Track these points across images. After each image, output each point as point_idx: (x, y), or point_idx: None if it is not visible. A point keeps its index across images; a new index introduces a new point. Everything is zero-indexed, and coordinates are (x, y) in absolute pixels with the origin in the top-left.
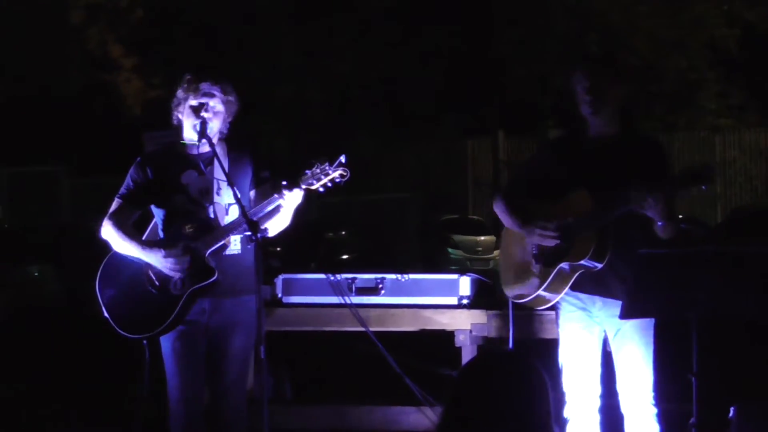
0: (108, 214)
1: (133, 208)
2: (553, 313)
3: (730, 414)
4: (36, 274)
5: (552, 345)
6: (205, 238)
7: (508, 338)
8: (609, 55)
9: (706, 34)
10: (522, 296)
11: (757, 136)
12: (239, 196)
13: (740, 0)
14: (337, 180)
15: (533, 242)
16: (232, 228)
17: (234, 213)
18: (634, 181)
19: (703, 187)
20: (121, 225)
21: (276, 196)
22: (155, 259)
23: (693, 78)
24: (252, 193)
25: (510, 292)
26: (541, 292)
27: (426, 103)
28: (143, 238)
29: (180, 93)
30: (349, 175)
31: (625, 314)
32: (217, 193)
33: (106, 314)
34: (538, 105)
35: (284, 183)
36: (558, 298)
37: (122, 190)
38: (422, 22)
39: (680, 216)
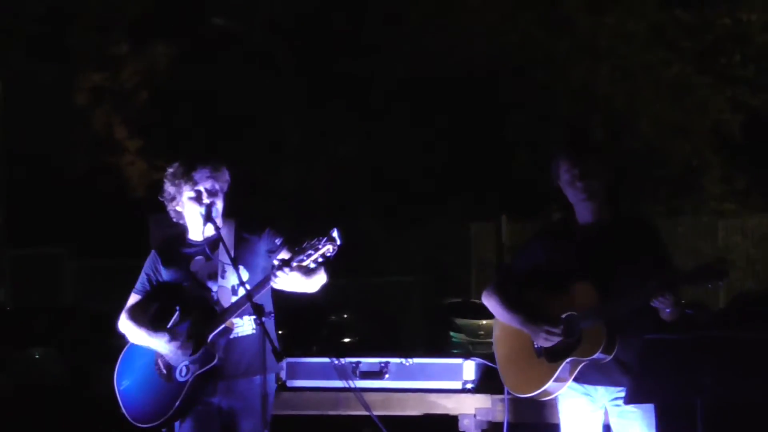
0: (125, 309)
1: (148, 302)
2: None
3: None
4: (37, 356)
5: (554, 430)
6: (208, 323)
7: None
8: (589, 136)
9: (710, 119)
10: (526, 391)
11: (760, 221)
12: (243, 279)
13: (743, 86)
14: (328, 254)
15: (537, 342)
16: (232, 311)
17: (241, 293)
18: (648, 278)
19: (720, 282)
20: (135, 317)
21: (267, 279)
22: (161, 344)
23: (697, 162)
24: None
25: (512, 386)
26: (547, 386)
27: (430, 186)
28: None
29: (170, 188)
30: (338, 247)
31: (630, 399)
32: (222, 276)
33: (121, 406)
34: (541, 189)
35: (274, 266)
36: (562, 389)
37: (138, 285)
38: (426, 105)
39: (683, 301)
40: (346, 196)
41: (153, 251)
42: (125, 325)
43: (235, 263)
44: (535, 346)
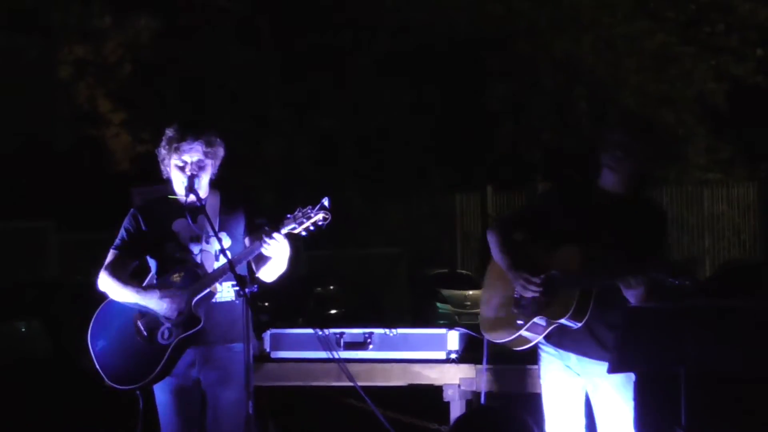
0: (104, 266)
1: (128, 259)
2: (536, 367)
3: None
4: (23, 329)
5: (538, 399)
6: (192, 286)
7: (486, 392)
8: (647, 120)
9: (694, 89)
10: (496, 336)
11: (745, 190)
12: (225, 246)
13: (728, 55)
14: (320, 223)
15: (516, 290)
16: (217, 276)
17: (223, 260)
18: (628, 260)
19: (687, 282)
20: (117, 274)
21: (257, 243)
22: (153, 301)
23: (681, 132)
24: (247, 240)
25: (487, 329)
26: (522, 332)
27: (415, 158)
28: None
29: (163, 150)
30: (330, 217)
31: (613, 368)
32: (207, 241)
33: (96, 365)
34: (526, 159)
35: (265, 229)
36: (537, 340)
37: (117, 241)
38: (410, 77)
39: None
40: (330, 169)
41: (133, 209)
42: (106, 283)
43: (215, 232)
44: (515, 294)
